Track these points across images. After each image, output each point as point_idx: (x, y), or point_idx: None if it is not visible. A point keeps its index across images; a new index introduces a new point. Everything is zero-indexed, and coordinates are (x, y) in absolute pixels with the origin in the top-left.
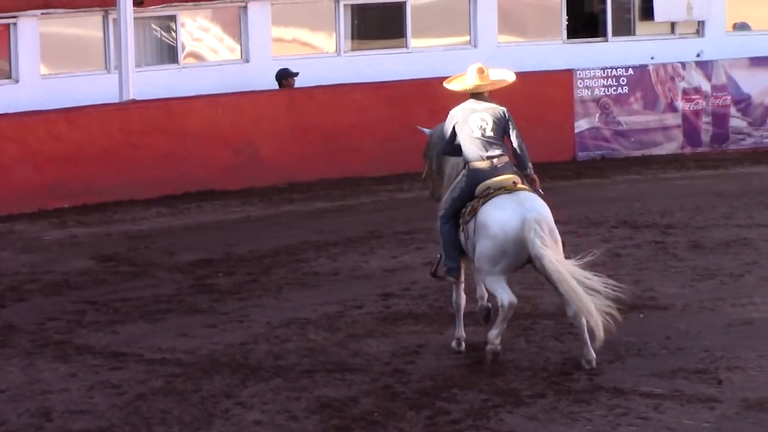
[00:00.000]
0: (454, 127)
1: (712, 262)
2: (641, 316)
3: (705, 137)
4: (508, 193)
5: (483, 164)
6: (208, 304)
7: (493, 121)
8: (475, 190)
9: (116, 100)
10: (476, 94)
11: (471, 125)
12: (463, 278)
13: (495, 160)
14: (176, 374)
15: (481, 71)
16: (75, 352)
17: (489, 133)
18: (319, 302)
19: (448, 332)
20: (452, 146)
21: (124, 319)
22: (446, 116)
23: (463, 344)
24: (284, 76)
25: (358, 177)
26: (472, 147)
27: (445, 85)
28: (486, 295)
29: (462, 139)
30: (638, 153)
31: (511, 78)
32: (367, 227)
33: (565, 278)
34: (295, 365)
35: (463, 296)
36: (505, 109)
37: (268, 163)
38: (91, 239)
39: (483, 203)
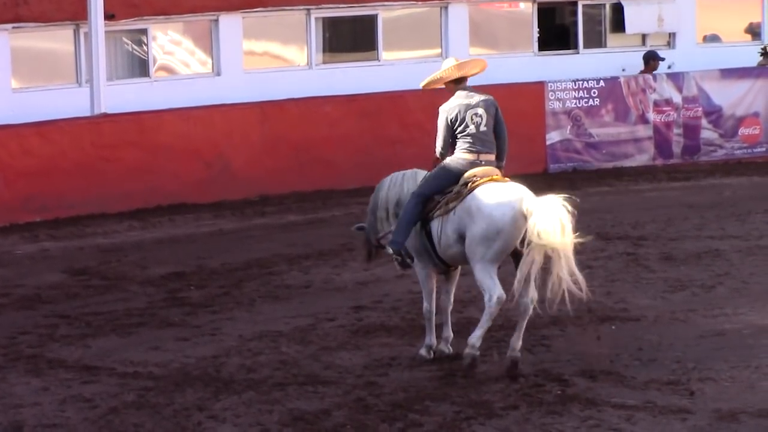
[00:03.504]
0: (451, 124)
1: (683, 274)
2: (613, 327)
3: (676, 149)
4: (498, 183)
5: (471, 156)
6: (180, 317)
7: (486, 114)
8: (458, 176)
9: (87, 114)
10: (461, 85)
11: (468, 121)
12: (435, 287)
13: (482, 155)
14: (149, 387)
15: (457, 60)
16: (47, 366)
17: (483, 128)
18: (291, 315)
19: (420, 344)
20: (449, 143)
21: (96, 333)
22: (417, 129)
23: (433, 353)
24: (651, 58)
25: (330, 190)
26: (465, 141)
27: (422, 85)
28: (451, 337)
29: (457, 134)
30: (610, 165)
31: (483, 63)
32: (339, 240)
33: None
34: (267, 378)
35: (434, 305)
36: (493, 98)
37: (239, 176)
38: (62, 253)
39: (472, 190)
